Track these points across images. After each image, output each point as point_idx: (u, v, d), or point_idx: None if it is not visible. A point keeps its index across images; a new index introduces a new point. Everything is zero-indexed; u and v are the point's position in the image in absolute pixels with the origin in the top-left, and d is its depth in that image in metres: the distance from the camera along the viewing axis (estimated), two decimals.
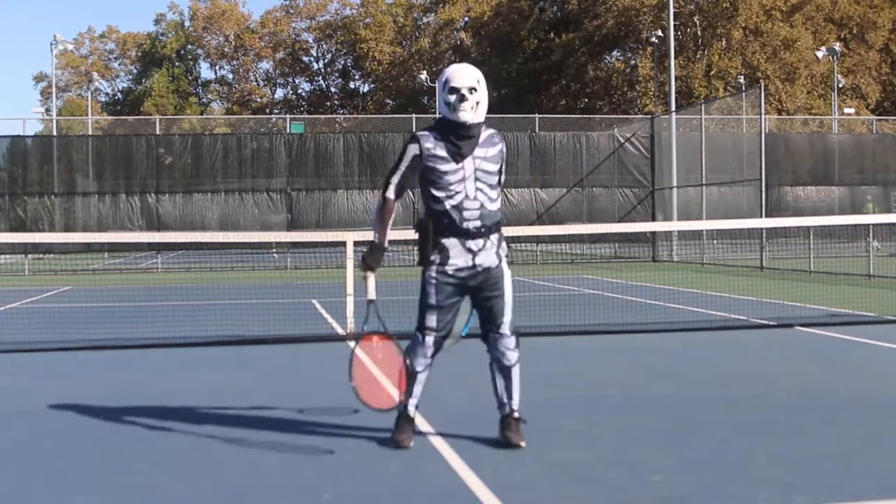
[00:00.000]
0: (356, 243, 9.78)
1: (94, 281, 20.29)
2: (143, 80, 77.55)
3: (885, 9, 60.54)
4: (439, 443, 4.95)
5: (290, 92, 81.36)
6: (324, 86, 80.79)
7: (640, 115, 44.95)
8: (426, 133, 4.81)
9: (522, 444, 4.79)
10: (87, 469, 4.63)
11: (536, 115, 31.27)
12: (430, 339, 4.85)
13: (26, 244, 24.52)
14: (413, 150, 4.78)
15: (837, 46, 52.34)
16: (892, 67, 62.90)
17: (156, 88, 74.69)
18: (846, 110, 52.81)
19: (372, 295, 4.91)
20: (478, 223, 4.77)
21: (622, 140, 28.83)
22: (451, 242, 4.77)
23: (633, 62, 60.83)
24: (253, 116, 57.97)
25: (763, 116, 23.47)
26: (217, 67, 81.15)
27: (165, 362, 8.26)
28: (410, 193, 18.98)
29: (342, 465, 4.57)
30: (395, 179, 4.84)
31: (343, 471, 4.49)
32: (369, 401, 4.80)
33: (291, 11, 78.35)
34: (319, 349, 8.89)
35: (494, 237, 4.84)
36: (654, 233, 26.35)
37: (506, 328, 4.88)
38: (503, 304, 4.87)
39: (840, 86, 53.18)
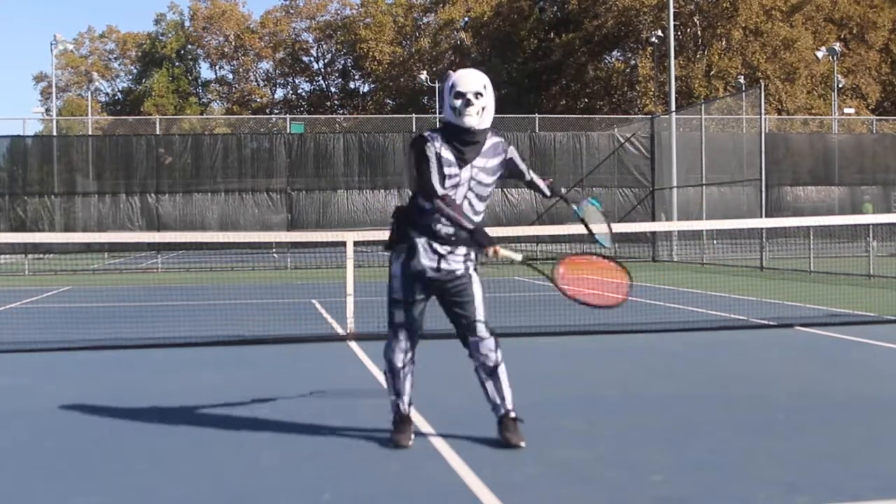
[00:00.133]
0: (356, 243, 9.80)
1: (94, 281, 20.29)
2: (143, 80, 77.54)
3: (885, 9, 60.55)
4: (439, 443, 4.94)
5: (290, 92, 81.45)
6: (324, 86, 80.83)
7: (640, 115, 44.96)
8: (433, 134, 4.78)
9: (522, 444, 4.78)
10: (88, 469, 4.63)
11: (536, 115, 31.29)
12: (402, 334, 4.86)
13: (26, 244, 24.51)
14: (431, 147, 4.72)
15: (837, 46, 52.35)
16: (892, 67, 62.91)
17: (156, 88, 74.69)
18: (846, 110, 52.83)
19: (517, 257, 4.87)
20: (451, 230, 4.75)
21: (622, 140, 28.83)
22: (420, 241, 4.78)
23: (633, 62, 60.85)
24: (253, 116, 57.99)
25: (763, 116, 23.46)
26: (217, 67, 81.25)
27: (165, 362, 8.26)
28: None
29: (342, 465, 4.57)
30: (435, 178, 4.70)
31: (343, 471, 4.48)
32: (599, 301, 4.90)
33: (291, 11, 78.37)
34: (319, 349, 8.89)
35: (465, 248, 4.82)
36: (654, 233, 26.35)
37: (482, 331, 4.85)
38: (474, 309, 4.84)
39: (840, 86, 53.19)
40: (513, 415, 4.87)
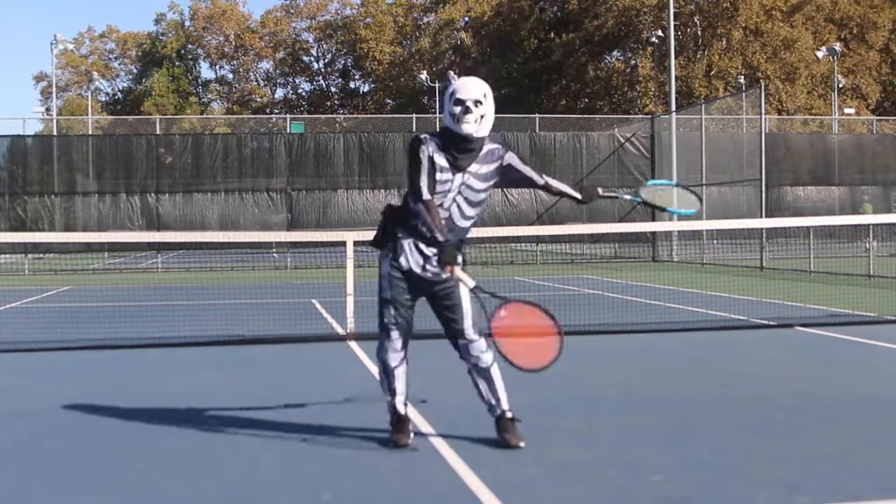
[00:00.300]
0: (356, 243, 9.79)
1: (94, 281, 20.28)
2: (143, 80, 77.57)
3: (885, 9, 60.57)
4: (439, 443, 4.94)
5: (290, 92, 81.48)
6: (324, 86, 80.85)
7: (640, 115, 44.97)
8: (430, 137, 4.77)
9: (521, 444, 4.77)
10: (88, 469, 4.63)
11: (536, 115, 31.28)
12: (394, 334, 4.85)
13: (26, 244, 24.53)
14: (424, 150, 4.71)
15: (837, 46, 52.36)
16: (893, 67, 62.93)
17: (156, 88, 74.72)
18: (846, 110, 52.84)
19: (470, 283, 4.72)
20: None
21: (622, 140, 28.84)
22: (408, 241, 4.78)
23: (633, 62, 60.87)
24: (253, 116, 57.96)
25: (763, 116, 23.47)
26: (217, 67, 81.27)
27: (165, 362, 8.25)
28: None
29: (342, 465, 4.57)
30: (423, 180, 4.68)
31: (343, 471, 4.48)
32: (533, 364, 4.60)
33: (291, 11, 78.41)
34: (319, 349, 8.90)
35: None
36: (654, 233, 26.34)
37: (470, 334, 4.84)
38: (462, 312, 4.84)
39: (840, 86, 53.20)
40: (509, 415, 4.86)
